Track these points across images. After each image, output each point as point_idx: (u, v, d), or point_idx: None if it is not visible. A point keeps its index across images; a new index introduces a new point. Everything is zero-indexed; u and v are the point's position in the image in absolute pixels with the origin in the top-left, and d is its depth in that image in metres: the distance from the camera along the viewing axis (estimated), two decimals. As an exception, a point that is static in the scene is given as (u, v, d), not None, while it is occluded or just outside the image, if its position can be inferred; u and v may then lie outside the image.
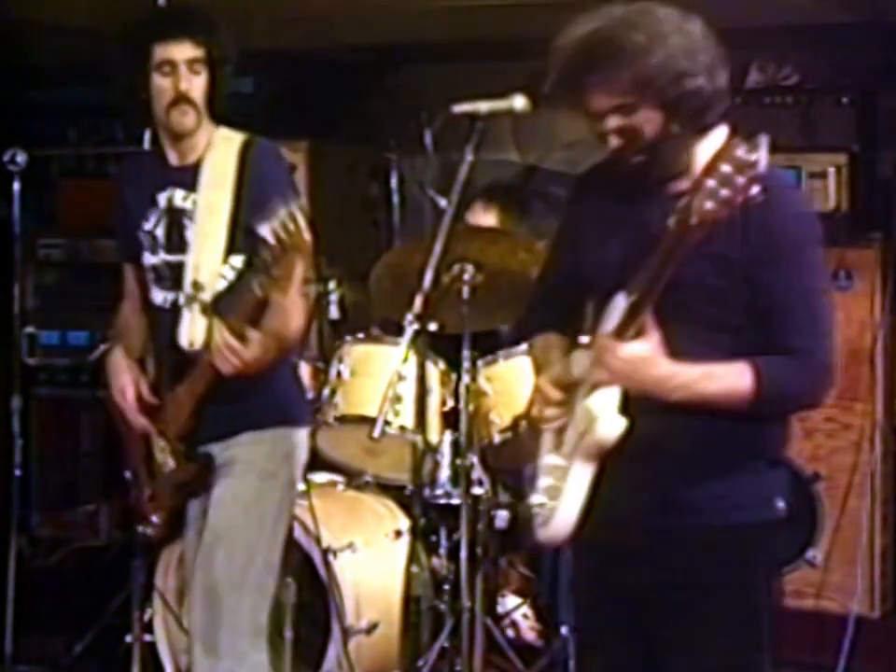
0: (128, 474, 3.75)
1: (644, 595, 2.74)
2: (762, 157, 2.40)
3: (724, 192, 2.39)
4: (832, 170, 4.86)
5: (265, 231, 3.08)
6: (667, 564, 2.70)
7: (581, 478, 2.70)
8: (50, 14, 5.17)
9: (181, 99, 3.47)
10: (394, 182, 5.82)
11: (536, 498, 2.81)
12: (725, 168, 2.39)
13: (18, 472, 4.99)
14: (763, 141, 2.42)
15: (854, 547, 4.96)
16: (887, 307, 4.96)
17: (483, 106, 3.00)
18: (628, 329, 2.57)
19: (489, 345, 4.59)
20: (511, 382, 4.55)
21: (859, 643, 4.64)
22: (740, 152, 2.39)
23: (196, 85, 3.49)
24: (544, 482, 2.80)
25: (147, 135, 4.50)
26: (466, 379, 4.33)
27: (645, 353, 2.57)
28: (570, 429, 2.75)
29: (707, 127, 2.67)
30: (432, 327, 3.57)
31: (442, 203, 4.56)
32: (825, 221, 4.76)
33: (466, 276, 4.27)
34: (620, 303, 2.62)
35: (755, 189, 2.39)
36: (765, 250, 2.60)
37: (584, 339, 2.72)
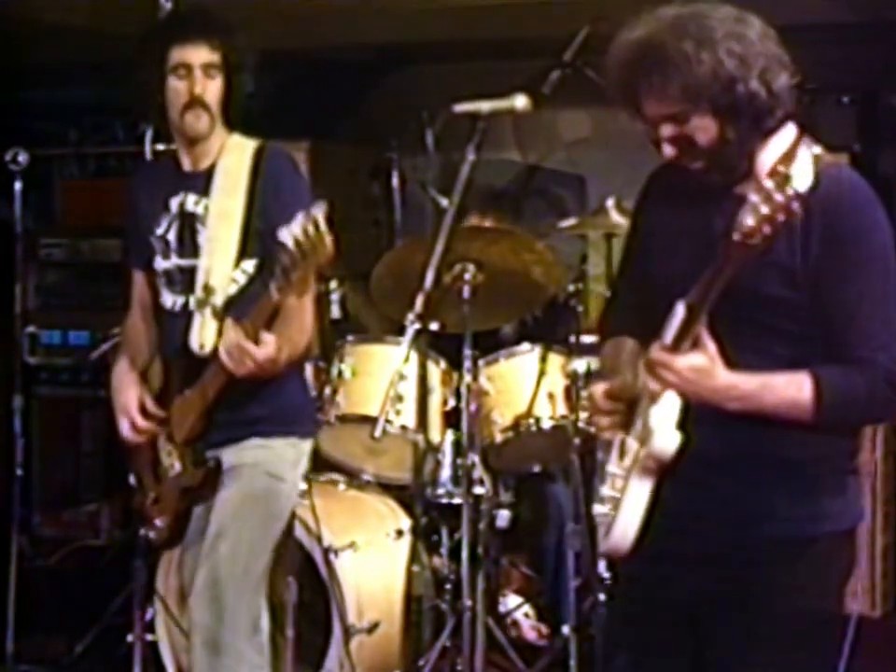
0: (132, 479, 3.75)
1: (702, 607, 2.68)
2: (800, 170, 2.33)
3: (764, 209, 2.32)
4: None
5: (284, 235, 3.08)
6: (730, 575, 2.65)
7: (639, 491, 2.63)
8: (52, 14, 5.17)
9: (195, 102, 3.47)
10: (395, 182, 5.82)
11: (598, 508, 2.75)
12: (767, 183, 2.32)
13: (19, 472, 4.98)
14: (803, 154, 2.36)
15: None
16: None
17: (485, 106, 3.00)
18: (683, 340, 2.50)
19: (490, 345, 4.59)
20: (512, 381, 4.56)
21: (860, 642, 4.62)
22: (780, 167, 2.33)
23: (210, 89, 3.49)
24: (607, 492, 2.74)
25: (149, 135, 4.52)
26: (467, 378, 4.34)
27: (701, 364, 2.50)
28: (631, 439, 2.69)
29: (769, 130, 2.60)
30: (433, 326, 3.57)
31: (444, 202, 4.57)
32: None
33: (467, 276, 4.27)
34: (678, 312, 2.54)
35: (795, 206, 2.32)
36: (827, 258, 2.52)
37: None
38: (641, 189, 2.89)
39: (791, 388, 2.55)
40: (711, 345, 2.50)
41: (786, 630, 2.64)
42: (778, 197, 2.32)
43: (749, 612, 2.65)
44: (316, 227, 3.04)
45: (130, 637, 4.51)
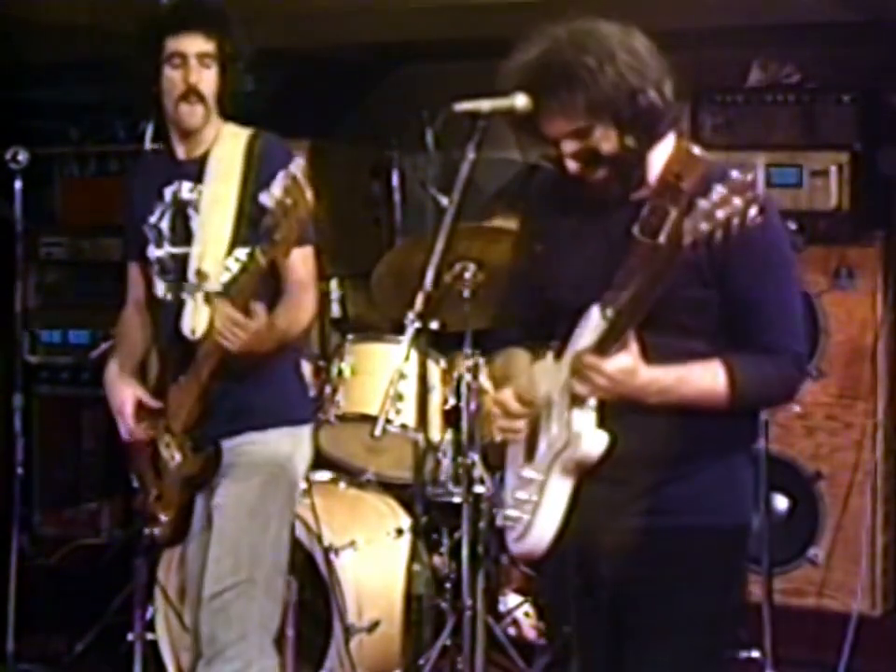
0: (133, 479, 3.75)
1: (612, 595, 2.74)
2: (758, 178, 2.39)
3: (720, 213, 2.37)
4: (833, 168, 4.85)
5: (265, 198, 3.09)
6: (635, 565, 2.70)
7: (559, 493, 2.69)
8: (52, 12, 5.17)
9: (190, 92, 3.48)
10: (396, 180, 5.82)
11: (511, 512, 2.79)
12: (720, 189, 2.38)
13: (19, 470, 4.98)
14: (758, 163, 2.45)
15: (855, 545, 4.96)
16: (889, 306, 4.96)
17: (485, 104, 2.99)
18: (611, 344, 2.57)
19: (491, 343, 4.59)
20: (512, 380, 4.55)
21: (860, 641, 4.64)
22: (735, 174, 2.38)
23: (206, 79, 3.50)
24: (519, 494, 2.78)
25: (149, 132, 4.51)
26: (467, 377, 4.33)
27: (628, 365, 2.58)
28: (543, 442, 2.74)
29: (658, 136, 2.69)
30: (434, 325, 3.57)
31: (444, 201, 4.57)
32: (827, 220, 4.83)
33: (467, 275, 4.28)
34: (594, 317, 2.62)
35: (753, 211, 2.38)
36: (733, 253, 2.57)
37: (550, 352, 2.74)
38: (527, 197, 3.00)
39: (706, 378, 2.65)
40: (635, 345, 2.58)
41: (700, 618, 2.72)
42: (737, 201, 2.37)
43: (660, 599, 2.70)
44: (296, 182, 3.06)
45: (130, 636, 4.52)
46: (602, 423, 2.64)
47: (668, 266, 2.47)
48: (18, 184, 5.00)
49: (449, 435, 4.59)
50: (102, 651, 4.84)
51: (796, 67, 5.11)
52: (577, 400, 2.64)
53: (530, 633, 5.02)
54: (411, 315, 3.10)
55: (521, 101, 2.78)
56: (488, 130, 3.01)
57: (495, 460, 4.62)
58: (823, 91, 4.98)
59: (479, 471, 4.37)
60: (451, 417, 4.54)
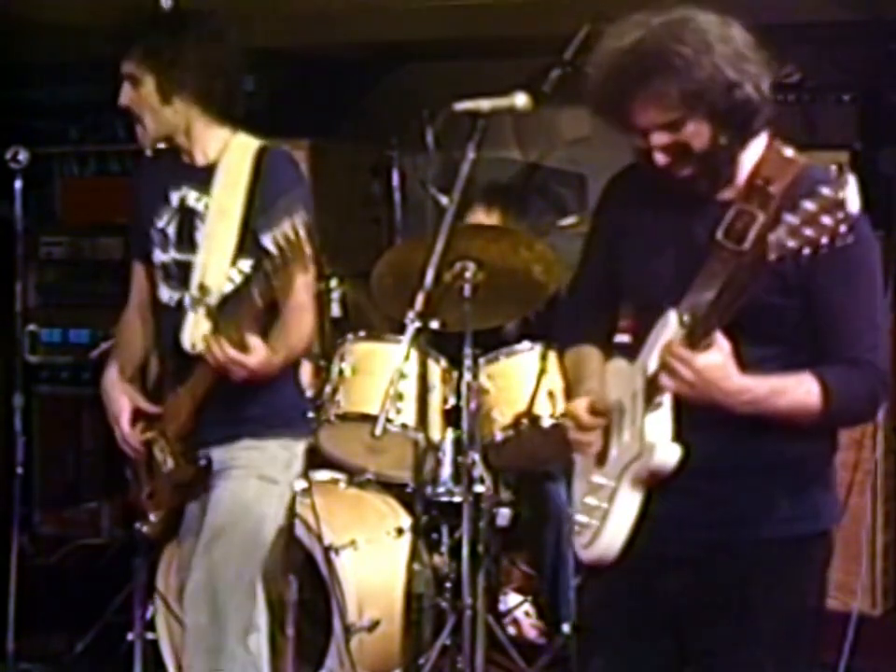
0: (129, 474, 3.76)
1: (685, 605, 2.68)
2: (849, 195, 2.31)
3: (809, 232, 2.29)
4: (833, 168, 4.85)
5: (268, 240, 3.10)
6: (714, 575, 2.65)
7: (629, 501, 2.62)
8: (52, 11, 5.17)
9: (128, 112, 3.54)
10: (395, 180, 5.82)
11: (580, 518, 2.73)
12: (809, 205, 2.30)
13: (19, 470, 4.97)
14: (851, 179, 2.33)
15: (856, 545, 4.96)
16: (889, 305, 4.95)
17: (485, 104, 2.99)
18: (699, 342, 2.48)
19: (491, 343, 4.59)
20: (512, 379, 4.55)
21: (860, 641, 4.63)
22: (825, 190, 2.30)
23: (134, 98, 3.52)
24: (589, 500, 2.71)
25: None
26: (467, 377, 4.33)
27: (719, 363, 2.48)
28: (615, 448, 2.67)
29: (752, 134, 2.61)
30: (434, 324, 3.56)
31: (444, 200, 4.56)
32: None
33: (467, 274, 4.26)
34: (671, 322, 2.54)
35: (843, 229, 2.30)
36: (818, 263, 2.46)
37: (622, 339, 2.66)
38: (603, 190, 2.89)
39: (799, 392, 2.55)
40: (726, 344, 2.49)
41: (777, 628, 2.64)
42: (826, 219, 2.29)
43: (736, 613, 2.64)
44: (298, 238, 3.07)
45: (130, 636, 4.51)
46: (678, 432, 2.55)
47: (753, 277, 2.40)
48: (18, 184, 4.99)
49: (449, 434, 4.59)
50: (102, 651, 4.83)
51: (796, 67, 5.11)
52: (651, 405, 2.56)
53: (530, 632, 5.02)
54: (411, 315, 3.10)
55: (521, 100, 2.78)
56: (488, 129, 3.00)
57: (495, 459, 4.62)
58: (823, 90, 4.98)
59: (479, 471, 4.36)
60: (451, 416, 4.54)
